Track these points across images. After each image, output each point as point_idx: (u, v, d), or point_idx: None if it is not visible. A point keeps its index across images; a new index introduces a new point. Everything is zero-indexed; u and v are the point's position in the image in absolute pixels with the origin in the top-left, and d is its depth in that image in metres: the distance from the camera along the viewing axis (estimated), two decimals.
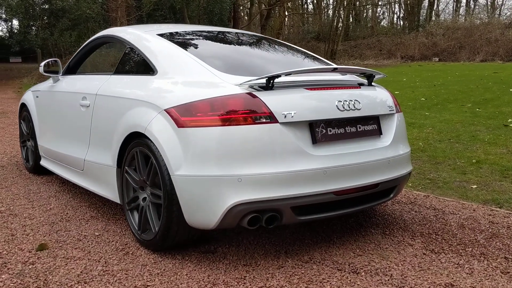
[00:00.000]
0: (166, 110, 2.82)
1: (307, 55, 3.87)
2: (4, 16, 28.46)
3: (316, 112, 2.84)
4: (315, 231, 3.36)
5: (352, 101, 2.97)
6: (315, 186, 2.75)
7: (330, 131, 2.91)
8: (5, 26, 32.01)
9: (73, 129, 3.91)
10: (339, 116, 2.91)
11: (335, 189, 2.82)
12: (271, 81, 2.79)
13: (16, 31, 26.55)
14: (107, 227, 3.47)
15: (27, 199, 4.11)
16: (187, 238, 2.94)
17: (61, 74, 4.41)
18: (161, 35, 3.51)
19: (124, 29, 3.91)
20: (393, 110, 3.26)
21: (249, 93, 2.73)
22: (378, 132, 3.15)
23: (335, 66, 3.12)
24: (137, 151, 3.04)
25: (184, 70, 3.08)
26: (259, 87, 2.80)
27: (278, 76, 2.81)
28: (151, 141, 2.86)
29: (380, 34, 38.39)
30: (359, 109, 3.00)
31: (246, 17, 39.01)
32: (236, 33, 4.13)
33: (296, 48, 4.01)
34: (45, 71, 4.37)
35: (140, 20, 27.99)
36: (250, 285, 2.58)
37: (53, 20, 23.18)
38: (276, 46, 3.98)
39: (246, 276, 2.68)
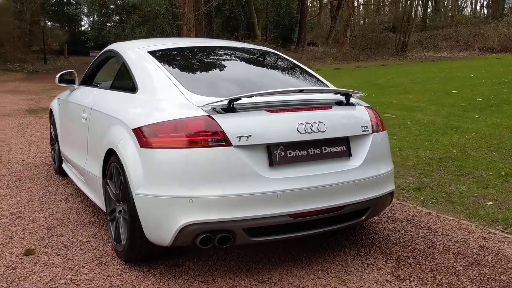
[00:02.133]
0: (133, 130, 2.96)
1: (301, 73, 3.84)
2: (86, 11, 30.15)
3: (274, 135, 2.86)
4: (286, 249, 3.38)
5: (315, 123, 2.95)
6: (268, 208, 2.78)
7: (290, 153, 2.92)
8: (87, 22, 33.84)
9: (77, 138, 4.18)
10: (299, 138, 2.90)
11: (291, 212, 2.83)
12: (232, 103, 2.84)
13: (92, 27, 28.06)
14: (98, 233, 3.69)
15: (40, 202, 4.45)
16: (152, 251, 3.07)
17: (77, 85, 4.69)
18: (152, 52, 3.64)
19: (122, 44, 4.09)
20: (367, 130, 3.19)
21: (207, 116, 2.80)
22: (347, 154, 3.11)
23: (301, 88, 3.10)
24: (113, 166, 3.22)
25: (158, 90, 3.20)
26: (221, 109, 2.87)
27: (239, 98, 2.86)
28: (120, 159, 3.02)
29: (459, 23, 36.58)
30: (323, 131, 2.97)
31: (314, 9, 38.61)
32: (234, 48, 4.13)
33: (293, 65, 3.96)
34: (59, 82, 4.66)
35: (208, 15, 28.64)
36: None
37: (125, 17, 24.28)
38: (271, 64, 3.98)
39: None
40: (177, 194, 2.72)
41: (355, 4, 30.16)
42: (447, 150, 6.41)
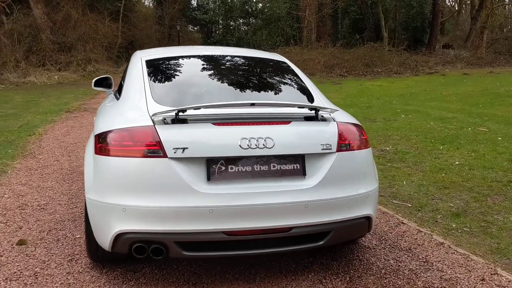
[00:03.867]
0: (95, 136, 3.09)
1: (291, 86, 3.65)
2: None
3: (214, 149, 2.78)
4: (247, 266, 3.25)
5: (262, 138, 2.80)
6: (200, 224, 2.71)
7: (232, 168, 2.81)
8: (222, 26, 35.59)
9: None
10: (240, 154, 2.78)
11: (225, 229, 2.73)
12: (178, 115, 2.83)
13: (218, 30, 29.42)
14: None
15: (70, 196, 4.83)
16: (112, 253, 3.17)
17: (111, 89, 4.98)
18: (148, 61, 3.74)
19: (137, 53, 4.23)
20: (329, 149, 2.93)
21: (150, 126, 2.82)
22: (301, 172, 2.89)
23: (253, 101, 2.94)
24: None
25: (130, 99, 3.29)
26: (171, 120, 2.87)
27: (184, 110, 2.83)
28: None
29: None
30: (270, 148, 2.80)
31: (453, 9, 36.02)
32: (237, 57, 4.04)
33: (290, 76, 3.75)
34: (95, 86, 4.98)
35: (335, 17, 28.32)
36: None
37: (248, 20, 25.07)
38: (264, 75, 3.83)
39: None
40: (113, 202, 2.78)
41: (493, 5, 27.43)
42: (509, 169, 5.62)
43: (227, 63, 3.91)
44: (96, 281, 3.07)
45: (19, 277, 3.11)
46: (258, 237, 2.84)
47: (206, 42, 27.84)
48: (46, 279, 3.10)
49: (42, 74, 19.97)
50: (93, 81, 4.93)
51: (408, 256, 3.46)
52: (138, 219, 2.73)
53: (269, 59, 4.08)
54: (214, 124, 2.85)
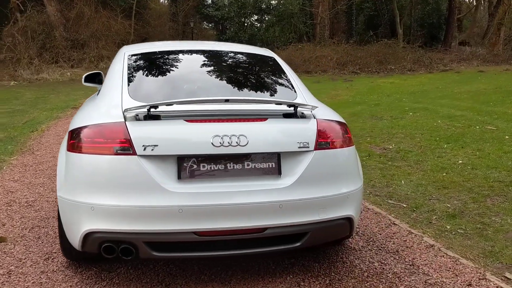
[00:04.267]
0: (68, 132, 3.02)
1: (274, 83, 3.54)
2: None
3: (186, 147, 2.69)
4: (223, 267, 3.16)
5: (235, 136, 2.70)
6: (170, 224, 2.63)
7: (204, 167, 2.72)
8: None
9: None
10: (212, 152, 2.68)
11: (196, 229, 2.64)
12: (149, 111, 2.75)
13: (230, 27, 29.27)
14: None
15: None
16: (85, 253, 3.10)
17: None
18: (132, 55, 3.65)
19: (123, 48, 4.15)
20: (306, 147, 2.81)
21: (121, 123, 2.74)
22: (276, 171, 2.79)
23: (227, 98, 2.83)
24: None
25: (107, 94, 3.20)
26: (144, 116, 2.78)
27: (156, 106, 2.75)
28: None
29: None
30: (244, 145, 2.70)
31: (468, 5, 35.39)
32: (222, 52, 3.92)
33: (276, 73, 3.63)
34: (85, 82, 4.90)
35: (349, 13, 28.04)
36: None
37: (261, 17, 24.93)
38: (247, 71, 3.70)
39: None
40: (81, 200, 2.70)
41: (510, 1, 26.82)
42: None
43: (212, 59, 3.80)
44: (68, 280, 3.01)
45: None
46: (231, 238, 2.74)
47: (219, 39, 27.78)
48: (19, 277, 3.04)
49: (54, 71, 20.15)
50: (83, 76, 4.86)
51: (394, 258, 3.33)
52: (107, 218, 2.65)
53: (257, 54, 3.96)
54: (187, 121, 2.75)
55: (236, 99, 2.88)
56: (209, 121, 2.77)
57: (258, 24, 25.34)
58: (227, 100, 2.80)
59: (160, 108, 2.78)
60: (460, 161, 5.98)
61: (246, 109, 2.87)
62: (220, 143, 2.68)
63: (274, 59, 3.85)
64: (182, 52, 3.87)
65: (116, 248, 2.69)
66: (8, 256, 3.35)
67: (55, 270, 3.15)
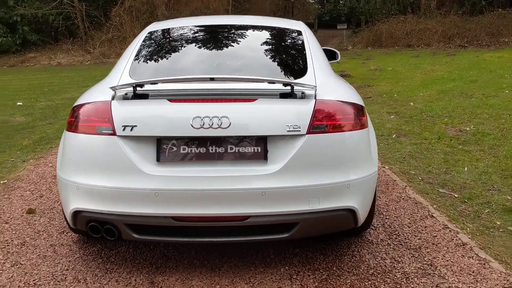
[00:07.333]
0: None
1: (293, 60, 3.27)
2: None
3: (165, 128, 2.57)
4: (216, 254, 3.03)
5: (218, 117, 2.52)
6: (146, 207, 2.55)
7: (184, 149, 2.58)
8: None
9: None
10: (191, 134, 2.53)
11: (172, 213, 2.54)
12: (135, 89, 2.67)
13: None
14: None
15: None
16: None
17: None
18: (150, 32, 3.61)
19: (151, 24, 4.08)
20: (297, 130, 2.54)
21: (107, 101, 2.69)
22: (262, 156, 2.57)
23: (212, 76, 2.62)
24: None
25: (112, 72, 3.19)
26: (132, 95, 2.72)
27: (142, 85, 2.66)
28: None
29: None
30: (225, 128, 2.51)
31: None
32: (247, 27, 3.70)
33: (299, 50, 3.35)
34: None
35: None
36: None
37: None
38: (266, 47, 3.41)
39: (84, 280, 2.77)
40: (69, 179, 2.72)
41: None
42: None
43: (227, 35, 3.61)
44: (70, 255, 3.08)
45: (7, 246, 3.23)
46: (211, 225, 2.60)
47: (325, 13, 26.93)
48: (29, 249, 3.18)
49: None
50: None
51: (412, 256, 2.97)
52: (89, 198, 2.65)
53: (282, 28, 3.69)
54: (170, 100, 2.63)
55: (222, 78, 2.69)
56: (192, 101, 2.62)
57: None
58: (212, 79, 2.62)
59: (146, 87, 2.69)
60: None
61: (232, 88, 2.67)
62: (200, 125, 2.52)
63: (300, 33, 3.56)
64: (200, 28, 3.74)
65: (101, 229, 2.68)
66: (30, 227, 3.52)
67: (63, 244, 3.24)
